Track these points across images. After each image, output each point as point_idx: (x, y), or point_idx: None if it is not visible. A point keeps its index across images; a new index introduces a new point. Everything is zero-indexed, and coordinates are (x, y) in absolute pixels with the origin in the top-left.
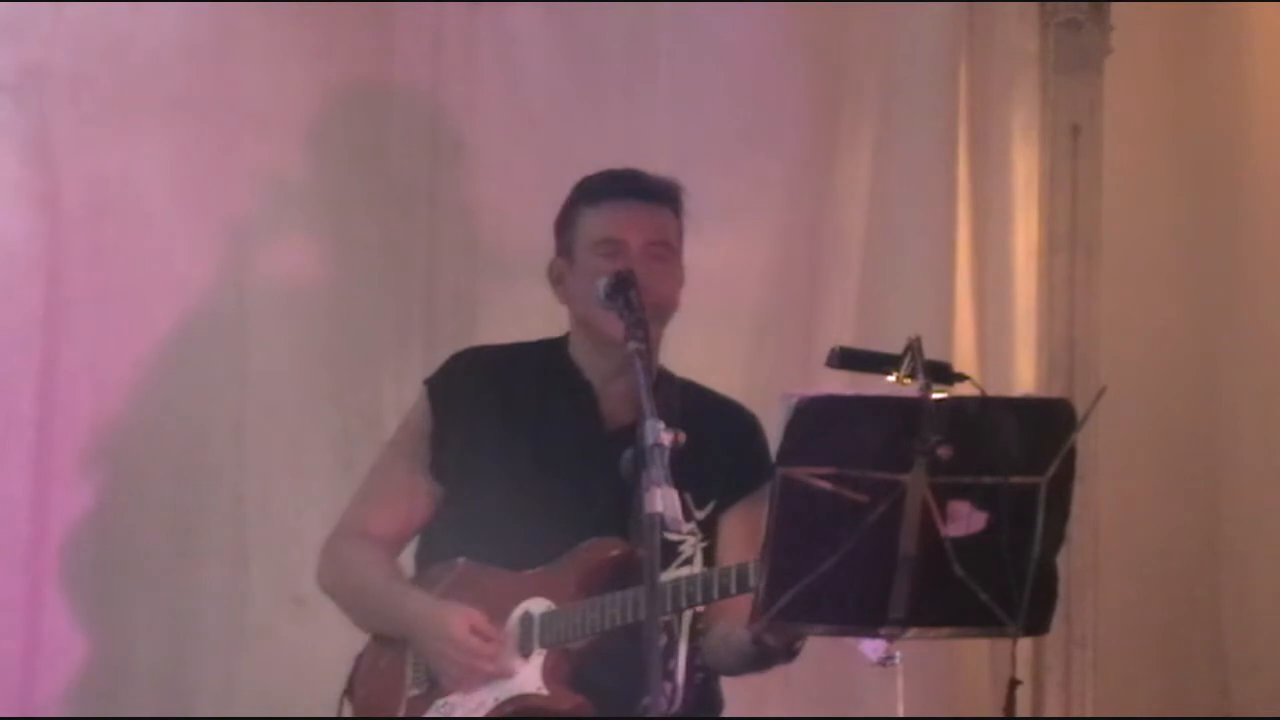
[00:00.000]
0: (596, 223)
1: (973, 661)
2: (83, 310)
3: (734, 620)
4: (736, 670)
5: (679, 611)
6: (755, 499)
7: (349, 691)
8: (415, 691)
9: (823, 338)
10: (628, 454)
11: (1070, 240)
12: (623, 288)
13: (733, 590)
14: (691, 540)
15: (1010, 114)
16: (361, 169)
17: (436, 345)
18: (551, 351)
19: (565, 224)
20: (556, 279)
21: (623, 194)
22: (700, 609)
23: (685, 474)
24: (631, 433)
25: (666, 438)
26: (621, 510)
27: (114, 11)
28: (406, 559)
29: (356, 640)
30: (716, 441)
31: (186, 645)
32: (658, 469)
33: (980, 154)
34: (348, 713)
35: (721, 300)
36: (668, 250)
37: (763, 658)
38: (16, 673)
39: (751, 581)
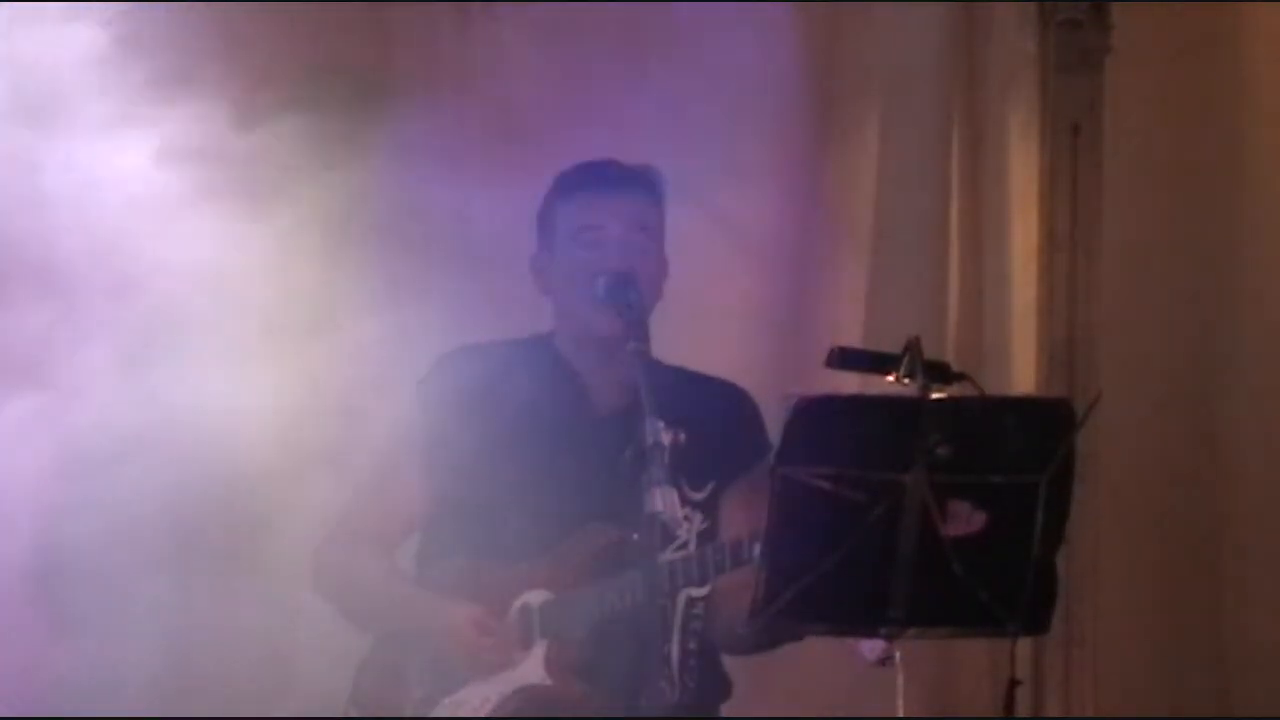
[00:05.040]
0: (575, 212)
1: (972, 661)
2: (80, 312)
3: (739, 604)
4: (746, 651)
5: (675, 592)
6: (754, 475)
7: (354, 694)
8: (420, 692)
9: (816, 335)
10: (629, 452)
11: (1070, 240)
12: (622, 287)
13: (727, 567)
14: (687, 526)
15: (1010, 114)
16: (352, 172)
17: (429, 346)
18: (538, 346)
19: (545, 218)
20: (539, 271)
21: (599, 183)
22: (700, 595)
23: (681, 457)
24: (622, 419)
25: (666, 437)
26: (615, 496)
27: (106, 12)
28: (406, 559)
29: (354, 640)
30: (710, 423)
31: (182, 648)
32: (657, 469)
33: (980, 154)
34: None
35: (716, 300)
36: (647, 236)
37: (770, 639)
38: (15, 673)
39: (744, 555)
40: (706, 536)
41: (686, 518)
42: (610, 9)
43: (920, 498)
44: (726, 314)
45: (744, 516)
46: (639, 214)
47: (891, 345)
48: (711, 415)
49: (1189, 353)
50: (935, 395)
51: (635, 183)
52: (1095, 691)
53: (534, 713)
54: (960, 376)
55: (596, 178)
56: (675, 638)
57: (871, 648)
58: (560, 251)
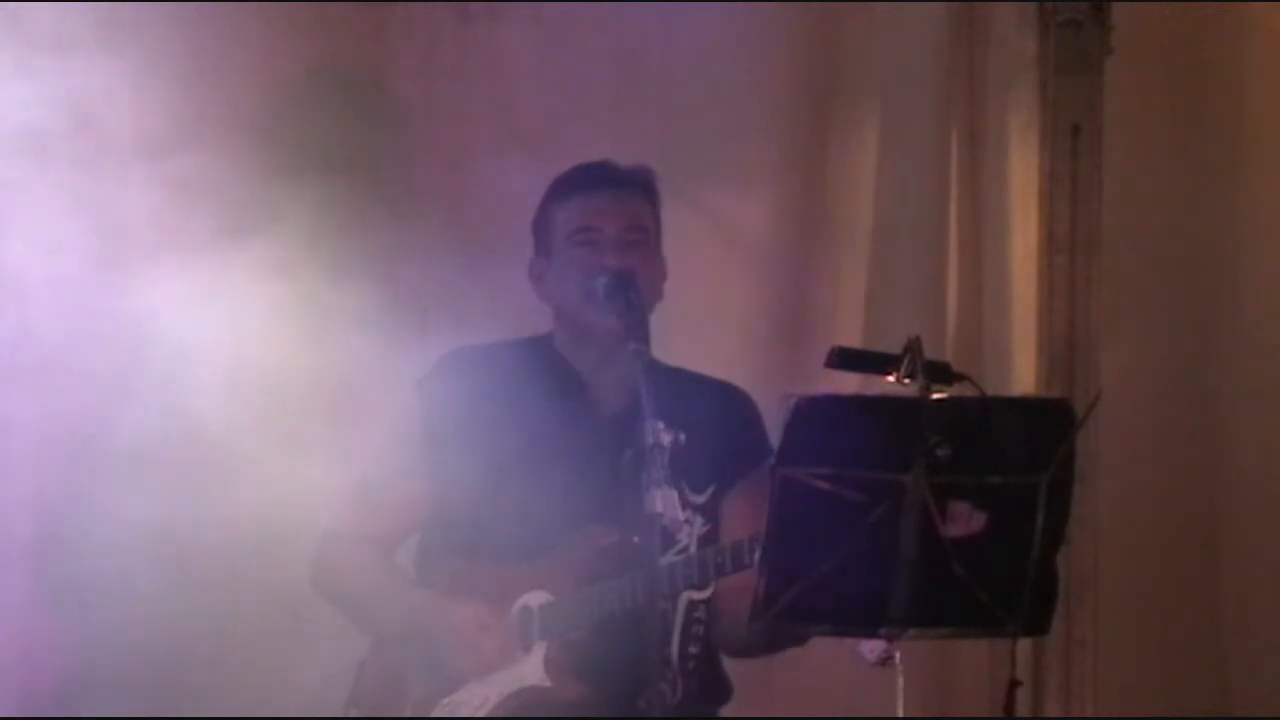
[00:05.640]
0: (570, 214)
1: (973, 661)
2: (77, 310)
3: (741, 607)
4: (750, 654)
5: (675, 594)
6: (755, 478)
7: (354, 694)
8: (419, 693)
9: (816, 336)
10: (628, 454)
11: (1070, 240)
12: (621, 287)
13: (727, 568)
14: (687, 529)
15: (1010, 114)
16: (352, 173)
17: (427, 347)
18: (538, 347)
19: (541, 222)
20: (537, 277)
21: (594, 184)
22: (701, 598)
23: (682, 460)
24: (622, 420)
25: (666, 438)
26: (615, 497)
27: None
28: (406, 559)
29: (354, 640)
30: (710, 425)
31: (182, 649)
32: (657, 469)
33: (980, 154)
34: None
35: (716, 300)
36: (643, 236)
37: (773, 642)
38: (17, 672)
39: (745, 558)
40: (708, 540)
41: (687, 521)
42: (610, 9)
43: (920, 498)
44: (726, 314)
45: (746, 519)
46: (635, 213)
47: (891, 345)
48: (712, 416)
49: (1189, 353)
50: (935, 395)
51: (630, 183)
52: (1095, 691)
53: (533, 714)
54: (960, 377)
55: (591, 179)
56: (676, 640)
57: (871, 648)
58: (557, 254)
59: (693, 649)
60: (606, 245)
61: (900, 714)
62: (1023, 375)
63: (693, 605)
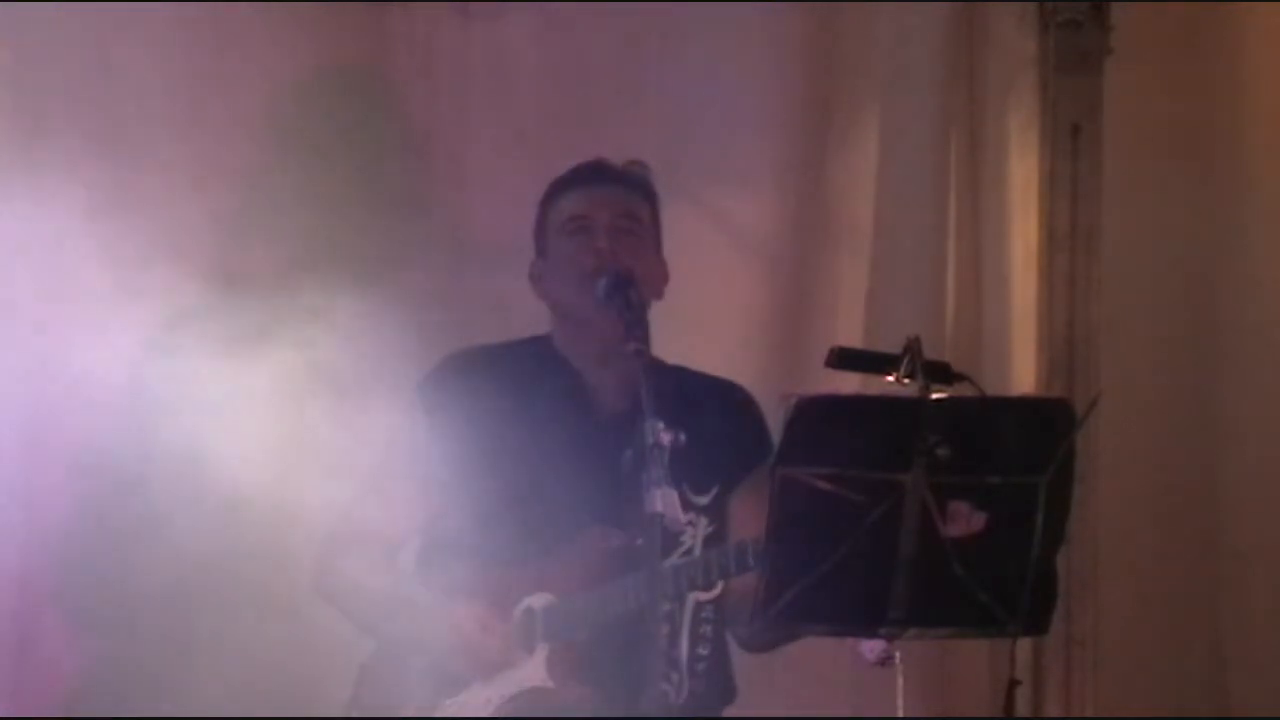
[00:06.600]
0: (563, 207)
1: (972, 661)
2: (72, 311)
3: (746, 608)
4: (767, 647)
5: (680, 596)
6: (758, 478)
7: (356, 696)
8: (422, 694)
9: (816, 336)
10: (628, 454)
11: (1070, 240)
12: (621, 287)
13: (731, 570)
14: (691, 531)
15: (1010, 114)
16: (353, 173)
17: (428, 349)
18: (538, 346)
19: (539, 223)
20: (536, 278)
21: (587, 179)
22: (709, 599)
23: (684, 461)
24: (624, 420)
25: (666, 437)
26: (617, 498)
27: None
28: (408, 561)
29: (356, 642)
30: (712, 424)
31: (183, 650)
32: (657, 469)
33: (980, 153)
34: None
35: (716, 300)
36: (635, 225)
37: (787, 632)
38: (11, 672)
39: (748, 560)
40: (714, 541)
41: (690, 522)
42: (610, 9)
43: (920, 498)
44: (726, 314)
45: (752, 520)
46: (627, 204)
47: (891, 345)
48: (713, 416)
49: (1189, 352)
50: (935, 395)
51: (624, 179)
52: (1095, 691)
53: (535, 715)
54: (960, 377)
55: (584, 175)
56: (684, 641)
57: (871, 648)
58: (553, 249)
59: (701, 650)
60: (598, 231)
61: (900, 714)
62: (1023, 375)
63: (700, 606)
